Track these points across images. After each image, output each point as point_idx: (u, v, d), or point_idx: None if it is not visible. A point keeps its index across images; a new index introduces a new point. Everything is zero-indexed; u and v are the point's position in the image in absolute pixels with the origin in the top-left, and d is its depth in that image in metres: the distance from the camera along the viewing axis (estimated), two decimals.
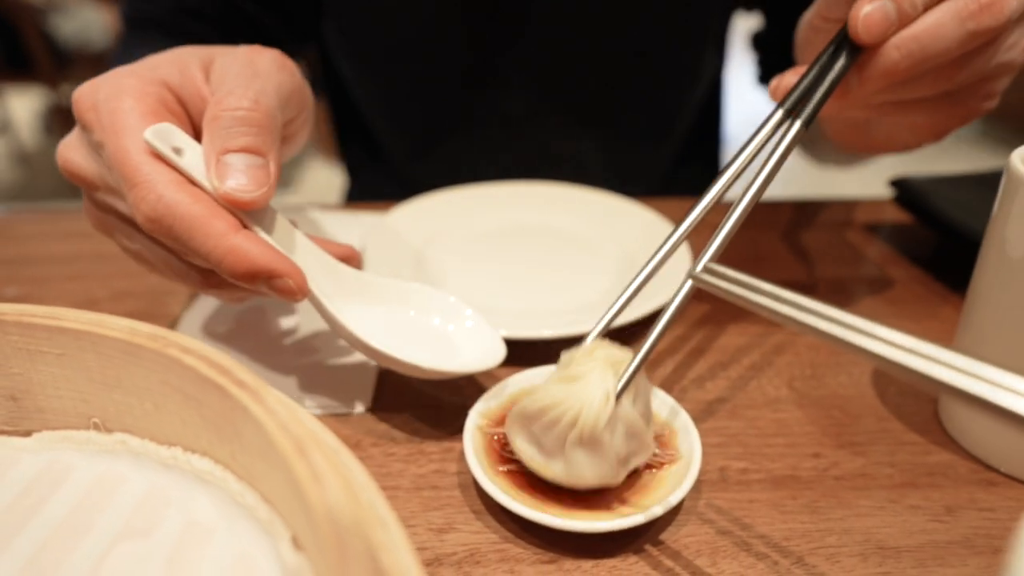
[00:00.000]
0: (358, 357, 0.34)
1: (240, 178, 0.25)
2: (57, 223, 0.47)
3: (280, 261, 0.25)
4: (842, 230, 0.48)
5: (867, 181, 0.81)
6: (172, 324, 0.36)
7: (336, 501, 0.14)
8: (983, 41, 0.28)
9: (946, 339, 0.28)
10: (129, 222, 0.28)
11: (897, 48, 0.27)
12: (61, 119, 2.33)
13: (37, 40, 2.16)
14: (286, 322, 0.36)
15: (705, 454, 0.29)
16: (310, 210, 0.47)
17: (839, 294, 0.41)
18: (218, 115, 0.25)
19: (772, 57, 0.61)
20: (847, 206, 0.52)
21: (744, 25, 0.64)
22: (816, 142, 0.55)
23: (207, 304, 0.37)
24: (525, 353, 0.32)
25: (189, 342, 0.19)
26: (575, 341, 0.27)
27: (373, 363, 0.34)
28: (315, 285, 0.27)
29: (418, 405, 0.31)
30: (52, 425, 0.22)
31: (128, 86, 0.26)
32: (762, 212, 0.50)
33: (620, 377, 0.25)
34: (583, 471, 0.25)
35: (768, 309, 0.20)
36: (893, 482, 0.28)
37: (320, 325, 0.36)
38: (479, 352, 0.30)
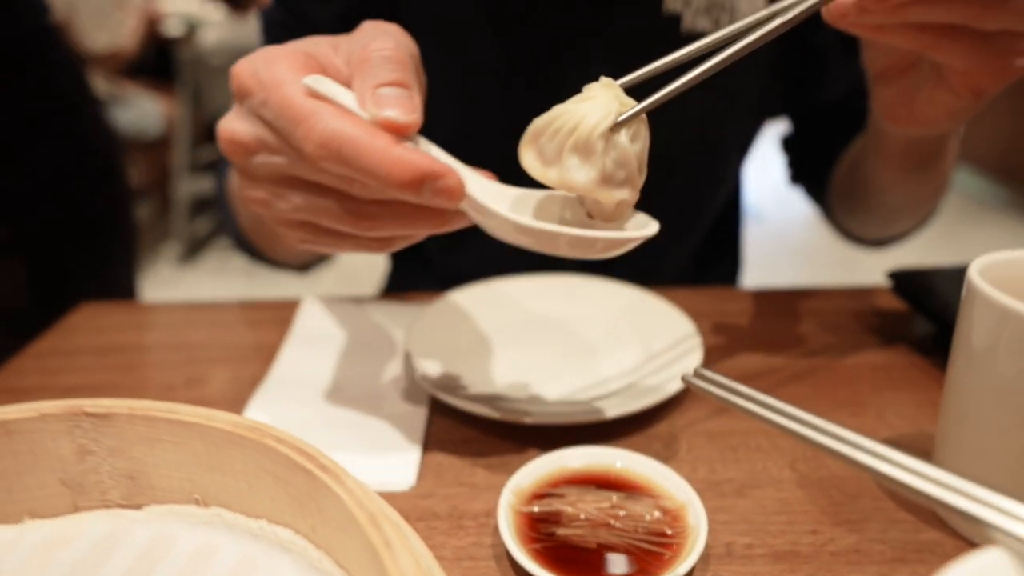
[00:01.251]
0: (404, 439, 0.38)
1: (394, 105, 0.28)
2: (133, 316, 0.53)
3: (440, 164, 0.27)
4: (848, 316, 0.52)
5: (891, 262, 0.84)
6: (241, 407, 0.41)
7: (405, 565, 0.18)
8: None
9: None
10: (286, 182, 0.31)
11: None
12: None
13: None
14: (340, 411, 0.41)
15: (713, 530, 0.32)
16: (354, 303, 0.53)
17: (843, 377, 0.44)
18: (367, 56, 0.29)
19: (802, 158, 0.66)
20: (854, 293, 0.56)
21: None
22: (860, 217, 0.60)
23: (270, 391, 0.42)
24: (551, 435, 0.36)
25: (282, 433, 0.23)
26: (598, 426, 0.31)
27: (418, 445, 0.38)
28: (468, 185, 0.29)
29: (456, 483, 0.35)
30: (160, 500, 0.26)
31: (280, 54, 0.30)
32: (772, 300, 0.54)
33: (626, 109, 0.28)
34: (574, 174, 0.28)
35: (746, 410, 0.24)
36: (885, 558, 0.31)
37: (368, 408, 0.40)
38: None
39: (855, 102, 0.58)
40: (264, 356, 0.46)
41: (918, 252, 3.10)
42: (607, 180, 0.29)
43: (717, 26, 0.52)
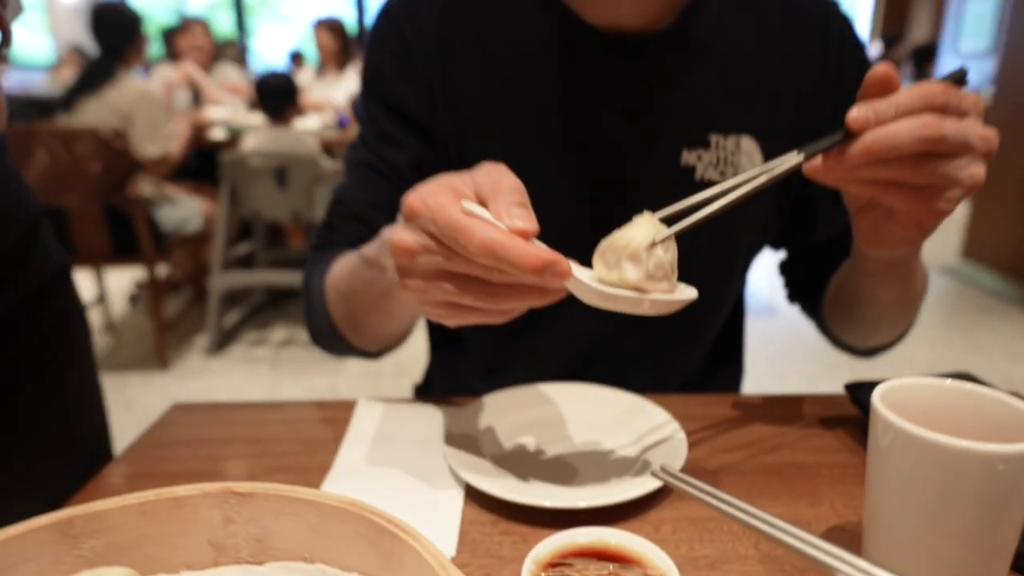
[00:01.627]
0: (445, 518, 0.48)
1: (521, 218, 0.40)
2: (216, 414, 0.63)
3: (556, 254, 0.39)
4: (814, 420, 0.61)
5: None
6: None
7: None
8: (931, 149, 0.42)
9: None
10: (440, 275, 0.42)
11: (872, 135, 0.42)
12: (151, 291, 2.62)
13: (144, 227, 2.49)
14: (392, 494, 0.50)
15: None
16: (402, 403, 0.63)
17: (805, 473, 0.53)
18: (499, 188, 0.41)
19: (798, 281, 0.78)
20: (823, 400, 0.65)
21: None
22: (848, 326, 0.70)
23: (334, 480, 0.52)
24: (564, 517, 0.46)
25: (373, 508, 0.33)
26: (600, 510, 0.40)
27: (456, 523, 0.47)
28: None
29: (487, 555, 0.45)
30: (278, 557, 0.36)
31: (436, 187, 0.42)
32: (752, 405, 0.64)
33: (657, 232, 0.41)
34: (628, 274, 0.41)
35: (699, 499, 0.34)
36: None
37: (415, 492, 0.50)
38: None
39: (843, 239, 0.71)
40: (328, 449, 0.56)
41: (936, 347, 3.15)
42: (650, 277, 0.42)
43: (723, 177, 0.66)
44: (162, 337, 2.67)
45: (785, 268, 0.79)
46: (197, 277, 3.19)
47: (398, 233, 0.44)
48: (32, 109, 3.14)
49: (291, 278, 2.83)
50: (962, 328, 3.10)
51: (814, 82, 0.68)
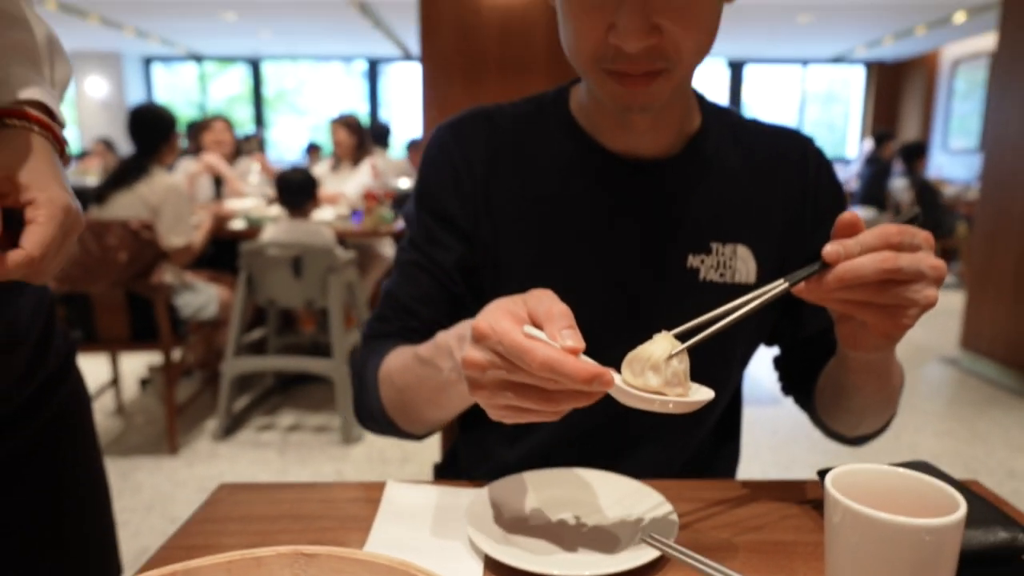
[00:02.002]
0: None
1: (572, 339, 0.48)
2: (262, 493, 0.71)
3: (600, 367, 0.47)
4: (794, 502, 0.68)
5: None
6: None
7: None
8: (890, 277, 0.52)
9: None
10: (504, 385, 0.50)
11: (842, 267, 0.53)
12: (166, 377, 2.69)
13: (164, 314, 2.59)
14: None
15: None
16: (427, 485, 0.70)
17: (784, 549, 0.60)
18: (552, 313, 0.50)
19: (791, 376, 0.86)
20: (805, 485, 0.72)
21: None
22: (837, 416, 0.78)
23: (374, 549, 0.59)
24: None
25: (419, 566, 0.40)
26: None
27: None
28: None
29: None
30: None
31: (498, 313, 0.51)
32: (740, 489, 0.71)
33: (673, 347, 0.50)
34: (650, 381, 0.49)
35: (693, 567, 0.41)
36: None
37: (440, 562, 0.57)
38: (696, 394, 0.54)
39: (828, 335, 0.80)
40: (362, 525, 0.63)
41: (940, 438, 3.19)
42: (668, 383, 0.52)
43: (722, 279, 0.76)
44: (173, 422, 2.72)
45: (778, 363, 0.88)
46: (209, 362, 3.27)
47: (469, 351, 0.52)
48: None
49: (301, 364, 2.91)
50: (964, 419, 3.14)
51: (796, 202, 0.81)
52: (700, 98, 0.82)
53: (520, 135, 0.79)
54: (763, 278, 0.78)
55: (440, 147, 0.79)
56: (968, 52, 8.90)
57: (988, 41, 8.20)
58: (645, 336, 0.77)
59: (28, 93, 0.56)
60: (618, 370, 0.53)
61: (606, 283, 0.76)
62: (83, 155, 8.25)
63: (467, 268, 0.78)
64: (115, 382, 3.13)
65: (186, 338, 2.80)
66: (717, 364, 0.80)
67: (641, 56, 0.64)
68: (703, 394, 0.53)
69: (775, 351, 0.88)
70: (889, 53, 10.01)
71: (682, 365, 0.52)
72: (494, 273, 0.78)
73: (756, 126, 0.83)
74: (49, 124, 0.57)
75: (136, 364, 3.66)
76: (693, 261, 0.76)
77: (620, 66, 0.65)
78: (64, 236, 0.53)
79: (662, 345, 0.52)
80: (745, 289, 0.78)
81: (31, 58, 0.60)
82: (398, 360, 0.72)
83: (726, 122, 0.82)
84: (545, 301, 0.52)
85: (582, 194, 0.77)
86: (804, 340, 0.84)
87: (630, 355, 0.53)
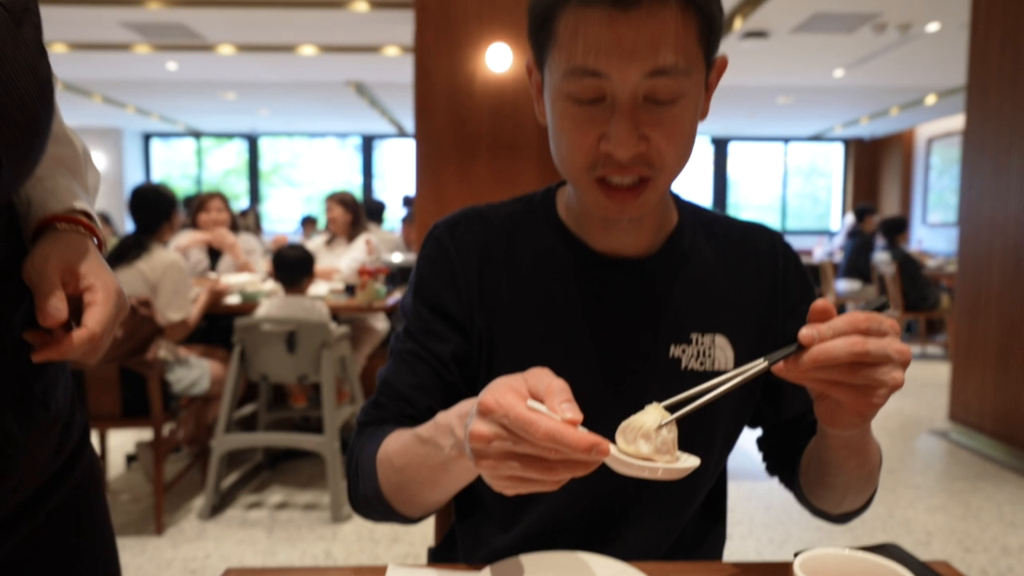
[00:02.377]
0: None
1: (571, 412, 0.52)
2: None
3: (598, 437, 0.51)
4: None
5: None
6: None
7: None
8: (859, 359, 0.57)
9: None
10: (508, 456, 0.53)
11: (816, 349, 0.57)
12: (155, 454, 2.66)
13: (156, 390, 2.59)
14: None
15: None
16: (425, 568, 0.72)
17: None
18: (552, 389, 0.54)
19: (776, 456, 0.90)
20: (781, 566, 0.74)
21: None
22: (820, 493, 0.81)
23: None
24: None
25: None
26: None
27: None
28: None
29: None
30: None
31: (502, 389, 0.55)
32: (721, 570, 0.73)
33: (663, 418, 0.54)
34: (642, 448, 0.55)
35: None
36: None
37: None
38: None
39: (807, 417, 0.86)
40: None
41: (933, 514, 3.19)
42: (658, 451, 0.56)
43: (703, 368, 0.81)
44: (161, 502, 2.68)
45: (762, 444, 0.91)
46: (199, 438, 3.24)
47: (475, 425, 0.56)
48: None
49: (292, 440, 2.89)
50: (956, 493, 3.13)
51: (768, 294, 0.86)
52: (675, 197, 0.88)
53: (511, 234, 0.84)
54: (740, 365, 0.82)
55: (437, 245, 0.84)
56: (941, 131, 9.27)
57: (959, 121, 8.56)
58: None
59: (76, 203, 0.69)
60: (612, 442, 0.57)
61: (593, 373, 0.80)
62: None
63: (462, 358, 0.81)
64: (102, 458, 3.08)
65: (177, 414, 2.79)
66: (699, 444, 0.83)
67: (630, 163, 0.70)
68: (691, 461, 0.58)
69: (759, 432, 0.92)
70: (866, 131, 10.40)
71: (671, 434, 0.57)
72: (488, 363, 0.81)
73: (727, 222, 0.89)
74: (92, 227, 0.70)
75: (123, 439, 3.61)
76: (675, 351, 0.81)
77: (611, 171, 0.71)
78: (116, 316, 0.64)
79: (653, 415, 0.57)
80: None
81: (73, 170, 0.72)
82: (397, 442, 0.74)
83: (700, 219, 0.87)
84: (544, 377, 0.56)
85: (570, 290, 0.81)
86: (785, 423, 0.88)
87: (623, 424, 0.58)
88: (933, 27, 4.96)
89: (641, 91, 0.67)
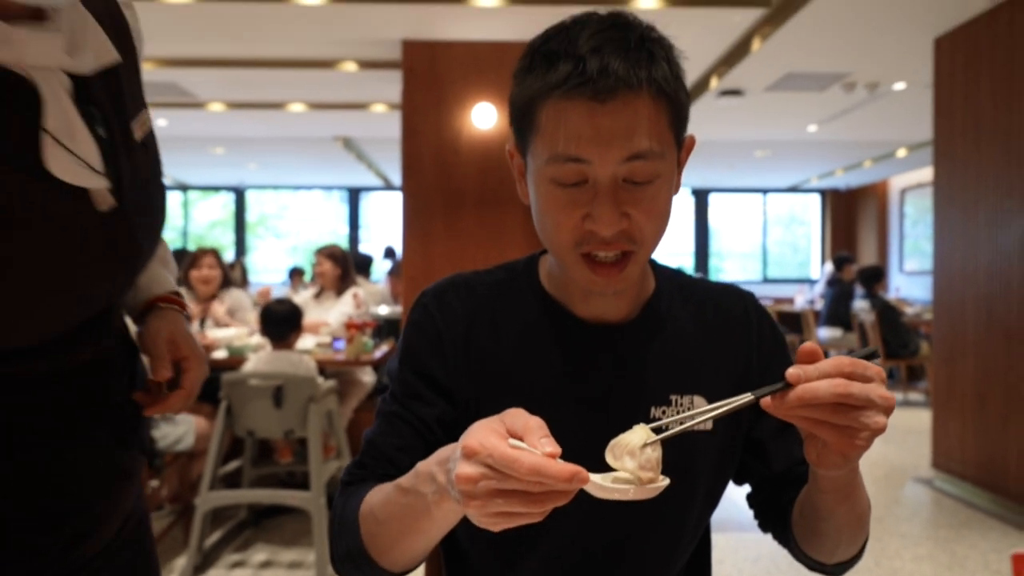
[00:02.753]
0: None
1: (550, 446, 0.56)
2: None
3: (577, 467, 0.55)
4: None
5: None
6: None
7: None
8: (843, 401, 0.59)
9: None
10: (494, 493, 0.56)
11: (801, 388, 0.60)
12: None
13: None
14: None
15: None
16: None
17: None
18: (530, 427, 0.58)
19: (766, 512, 0.91)
20: None
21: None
22: (814, 542, 0.83)
23: None
24: None
25: None
26: None
27: None
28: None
29: None
30: None
31: (485, 431, 0.58)
32: None
33: (648, 437, 0.60)
34: (627, 465, 0.60)
35: None
36: None
37: None
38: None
39: (796, 470, 0.87)
40: None
41: (920, 563, 3.19)
42: (642, 468, 0.61)
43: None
44: None
45: (753, 500, 0.93)
46: (182, 495, 3.19)
47: (461, 468, 0.59)
48: None
49: (278, 496, 2.86)
50: (941, 541, 3.14)
51: (743, 354, 0.90)
52: (653, 264, 0.93)
53: (496, 303, 0.88)
54: (719, 425, 0.86)
55: (424, 313, 0.88)
56: (914, 182, 9.55)
57: (930, 172, 8.81)
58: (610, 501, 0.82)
59: (171, 287, 0.91)
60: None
61: (577, 436, 0.82)
62: None
63: (447, 423, 0.84)
64: None
65: (161, 471, 2.76)
66: (679, 499, 0.84)
67: (613, 239, 0.75)
68: (663, 482, 0.62)
69: (749, 489, 0.94)
70: (842, 182, 10.68)
71: (655, 453, 0.62)
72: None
73: (703, 286, 0.94)
74: (184, 305, 0.91)
75: None
76: (655, 412, 0.84)
77: (596, 247, 0.76)
78: (203, 378, 0.86)
79: (639, 434, 0.62)
80: (703, 437, 0.85)
81: (163, 260, 0.94)
82: (379, 495, 0.76)
83: (676, 284, 0.92)
84: (520, 417, 0.60)
85: (554, 357, 0.85)
86: (774, 477, 0.90)
87: (612, 442, 0.62)
88: (899, 86, 5.17)
89: (620, 174, 0.72)
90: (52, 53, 0.63)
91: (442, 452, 0.66)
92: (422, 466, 0.69)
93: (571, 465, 0.55)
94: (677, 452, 0.83)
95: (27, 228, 0.63)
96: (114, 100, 0.72)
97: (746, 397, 0.64)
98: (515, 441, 0.58)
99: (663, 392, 0.85)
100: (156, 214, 0.78)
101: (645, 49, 0.72)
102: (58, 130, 0.64)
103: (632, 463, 0.61)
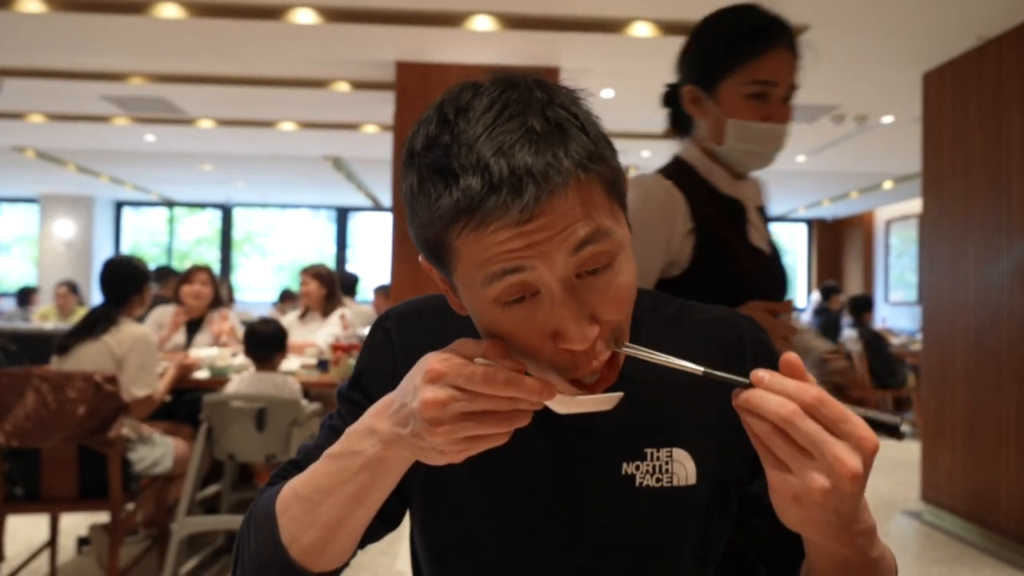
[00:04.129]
0: None
1: (512, 363, 0.56)
2: None
3: (549, 381, 0.55)
4: None
5: None
6: None
7: None
8: (784, 429, 0.51)
9: None
10: (463, 416, 0.55)
11: (753, 392, 0.53)
12: (111, 538, 2.53)
13: (116, 470, 2.49)
14: None
15: None
16: None
17: None
18: (485, 348, 0.58)
19: (776, 565, 0.80)
20: None
21: None
22: None
23: None
24: None
25: None
26: None
27: None
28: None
29: None
30: None
31: (448, 355, 0.58)
32: None
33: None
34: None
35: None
36: None
37: None
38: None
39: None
40: None
41: None
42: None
43: (660, 483, 0.75)
44: None
45: (761, 556, 0.83)
46: (158, 520, 3.09)
47: (427, 394, 0.56)
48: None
49: None
50: (932, 572, 3.10)
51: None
52: None
53: (463, 334, 0.76)
54: (704, 479, 0.76)
55: (384, 337, 0.81)
56: (899, 214, 9.66)
57: (915, 205, 8.93)
58: (581, 547, 0.76)
59: None
60: None
61: (539, 493, 0.76)
62: (37, 291, 8.15)
63: None
64: (52, 543, 2.91)
65: (137, 495, 2.67)
66: (664, 561, 0.77)
67: (592, 351, 0.62)
68: (616, 393, 0.62)
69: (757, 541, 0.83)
70: (828, 212, 10.79)
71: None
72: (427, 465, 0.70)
73: (691, 316, 0.82)
74: None
75: (75, 520, 3.43)
76: (628, 468, 0.75)
77: (582, 374, 0.64)
78: None
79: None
80: (685, 492, 0.75)
81: None
82: (301, 476, 0.68)
83: (659, 316, 0.82)
84: (470, 343, 0.58)
85: None
86: (779, 534, 0.75)
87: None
88: (888, 119, 5.24)
89: (571, 270, 0.59)
90: None
91: (378, 405, 0.63)
92: (354, 428, 0.65)
93: (540, 379, 0.55)
94: (660, 510, 0.76)
95: None
96: None
97: (697, 368, 0.59)
98: (483, 361, 0.56)
99: (636, 445, 0.76)
100: None
101: (554, 126, 0.58)
102: None
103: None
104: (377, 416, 0.62)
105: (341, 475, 0.64)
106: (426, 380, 0.56)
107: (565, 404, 0.58)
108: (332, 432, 0.77)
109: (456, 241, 0.59)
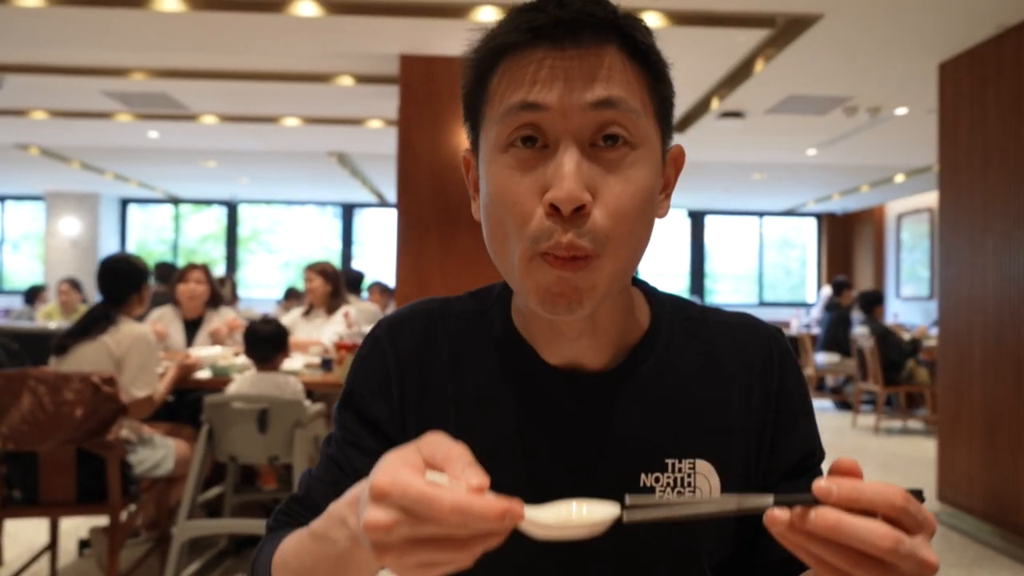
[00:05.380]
0: None
1: (476, 478, 0.45)
2: None
3: (510, 501, 0.44)
4: None
5: None
6: None
7: None
8: (879, 556, 0.45)
9: None
10: (411, 542, 0.45)
11: (839, 518, 0.45)
12: (111, 542, 2.48)
13: (115, 474, 2.44)
14: None
15: None
16: None
17: None
18: (451, 456, 0.47)
19: None
20: None
21: None
22: None
23: None
24: None
25: None
26: None
27: None
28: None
29: None
30: None
31: (396, 465, 0.46)
32: None
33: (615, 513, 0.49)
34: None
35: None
36: None
37: None
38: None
39: None
40: None
41: None
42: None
43: (680, 497, 0.70)
44: None
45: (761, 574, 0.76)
46: (159, 522, 3.04)
47: (370, 514, 0.47)
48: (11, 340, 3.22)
49: (261, 526, 2.72)
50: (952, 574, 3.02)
51: (762, 407, 0.73)
52: (650, 294, 0.77)
53: (459, 338, 0.75)
54: (728, 492, 0.71)
55: (374, 347, 0.76)
56: (910, 207, 9.54)
57: (927, 198, 8.81)
58: (596, 559, 0.70)
59: None
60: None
61: (548, 500, 0.70)
62: (43, 290, 8.14)
63: None
64: (52, 546, 2.87)
65: (138, 498, 2.62)
66: (680, 566, 0.72)
67: (572, 217, 0.59)
68: (606, 511, 0.49)
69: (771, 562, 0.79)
70: (838, 207, 10.67)
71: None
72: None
73: (716, 320, 0.77)
74: None
75: (76, 522, 3.39)
76: (647, 480, 0.69)
77: (553, 247, 0.60)
78: None
79: (609, 507, 0.49)
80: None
81: None
82: (292, 541, 0.65)
83: (680, 316, 0.76)
84: (441, 444, 0.48)
85: (519, 405, 0.71)
86: (793, 560, 0.74)
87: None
88: (901, 111, 5.13)
89: (587, 126, 0.60)
90: None
91: (354, 490, 0.55)
92: (333, 507, 0.57)
93: (501, 500, 0.44)
94: (681, 523, 0.70)
95: None
96: None
97: (766, 501, 0.48)
98: (434, 474, 0.47)
99: (657, 455, 0.70)
100: None
101: (613, 10, 0.63)
102: None
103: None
104: (350, 506, 0.55)
105: (321, 559, 0.60)
106: (371, 495, 0.48)
107: (538, 529, 0.48)
108: (330, 463, 0.75)
109: (492, 79, 0.64)
